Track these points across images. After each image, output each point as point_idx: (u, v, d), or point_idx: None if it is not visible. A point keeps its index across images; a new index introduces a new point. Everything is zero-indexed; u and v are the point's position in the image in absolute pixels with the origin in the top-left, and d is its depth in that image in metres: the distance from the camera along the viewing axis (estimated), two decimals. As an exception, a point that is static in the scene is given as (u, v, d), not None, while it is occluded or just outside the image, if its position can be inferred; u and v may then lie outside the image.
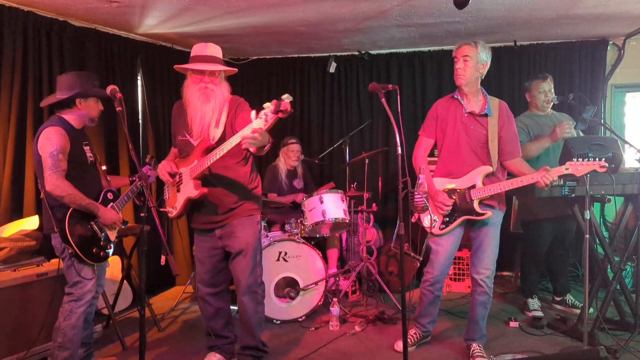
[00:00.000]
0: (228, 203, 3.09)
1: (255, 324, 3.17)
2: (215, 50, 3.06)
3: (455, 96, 3.42)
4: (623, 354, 3.42)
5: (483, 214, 3.28)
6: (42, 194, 3.06)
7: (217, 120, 3.02)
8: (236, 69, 3.17)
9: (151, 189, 4.94)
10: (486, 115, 3.34)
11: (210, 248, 3.18)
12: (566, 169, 3.16)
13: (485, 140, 3.33)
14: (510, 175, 3.43)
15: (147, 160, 3.65)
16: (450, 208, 3.35)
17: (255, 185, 3.24)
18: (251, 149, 2.75)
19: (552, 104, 4.33)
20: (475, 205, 3.29)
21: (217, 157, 2.85)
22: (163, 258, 2.40)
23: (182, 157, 3.16)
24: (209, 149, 2.96)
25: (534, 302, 4.34)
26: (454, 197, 3.36)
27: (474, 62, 3.29)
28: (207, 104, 2.98)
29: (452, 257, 3.52)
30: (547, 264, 4.60)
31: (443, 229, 3.39)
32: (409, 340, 3.49)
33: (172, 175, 3.08)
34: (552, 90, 4.32)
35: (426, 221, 3.41)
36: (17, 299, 3.24)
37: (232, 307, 3.48)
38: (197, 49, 3.05)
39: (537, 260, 4.43)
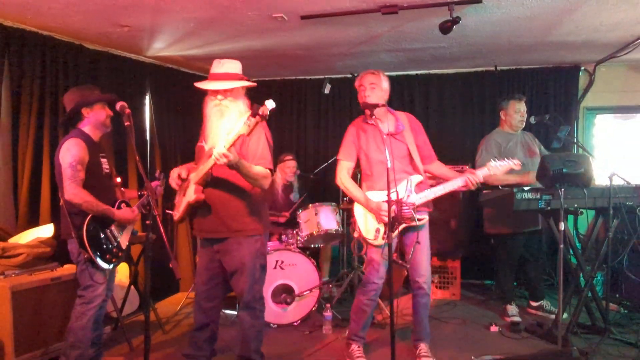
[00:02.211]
0: (227, 214, 2.96)
1: (251, 337, 3.08)
2: (230, 67, 2.98)
3: (370, 121, 3.40)
4: (594, 356, 3.47)
5: (421, 219, 3.31)
6: (61, 201, 3.10)
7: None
8: (254, 84, 3.06)
9: (157, 201, 4.98)
10: (402, 130, 3.44)
11: (209, 261, 3.09)
12: (488, 169, 3.30)
13: (408, 152, 3.43)
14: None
15: (156, 175, 3.63)
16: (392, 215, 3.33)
17: (260, 202, 3.09)
18: (219, 163, 2.65)
19: (524, 123, 4.40)
20: (413, 212, 3.30)
21: (212, 160, 2.71)
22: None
23: (197, 164, 3.09)
24: (208, 155, 2.87)
25: (512, 309, 4.38)
26: (393, 207, 3.35)
27: (379, 88, 3.40)
28: (220, 119, 2.93)
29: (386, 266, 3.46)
30: (524, 273, 4.65)
31: (385, 238, 3.36)
32: (357, 356, 3.48)
33: (182, 180, 3.01)
34: (526, 111, 4.41)
35: (370, 234, 3.38)
36: (33, 302, 3.27)
37: (231, 312, 3.42)
38: (213, 66, 2.99)
39: (510, 269, 4.47)
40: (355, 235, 3.49)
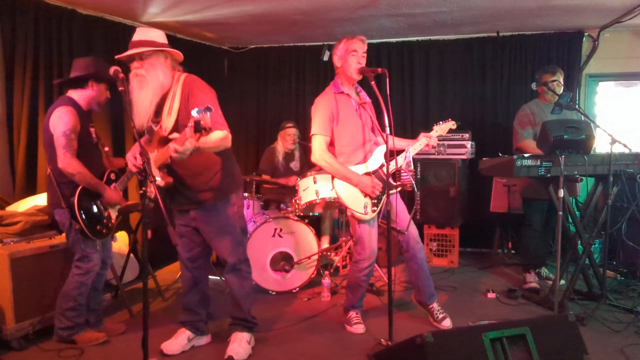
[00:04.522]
0: (197, 185, 2.92)
1: (242, 298, 3.11)
2: (141, 35, 2.78)
3: (346, 91, 3.35)
4: (590, 322, 3.49)
5: (398, 185, 3.32)
6: (48, 170, 3.07)
7: (170, 106, 2.80)
8: (174, 51, 2.84)
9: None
10: (367, 101, 3.43)
11: (184, 225, 3.09)
12: (436, 131, 3.52)
13: (373, 122, 3.42)
14: None
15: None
16: (381, 186, 3.33)
17: (226, 163, 3.00)
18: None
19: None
20: (390, 180, 3.28)
21: (172, 154, 2.52)
22: (149, 232, 2.38)
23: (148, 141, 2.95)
24: (163, 140, 2.77)
25: (531, 276, 4.35)
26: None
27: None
28: (139, 91, 2.74)
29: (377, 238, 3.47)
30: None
31: (375, 210, 3.35)
32: (358, 325, 3.48)
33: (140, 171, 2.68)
34: (561, 83, 4.25)
35: (360, 209, 3.30)
36: (32, 269, 3.26)
37: (214, 277, 3.40)
38: (134, 34, 2.80)
39: (533, 236, 4.36)
40: (349, 213, 3.38)
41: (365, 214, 3.32)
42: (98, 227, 3.11)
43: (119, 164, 3.53)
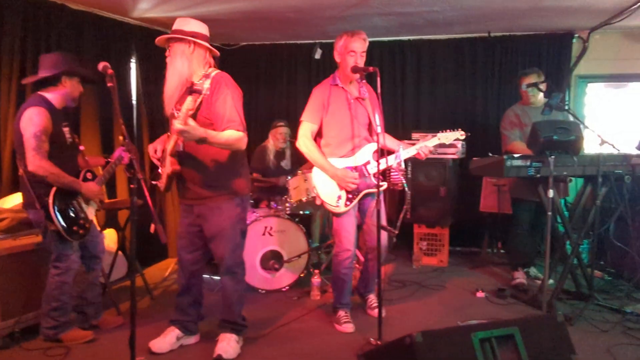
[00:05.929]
0: (205, 179, 2.92)
1: (234, 301, 3.09)
2: (178, 24, 2.90)
3: (340, 84, 3.40)
4: (578, 321, 3.50)
5: (381, 185, 3.26)
6: (20, 170, 3.03)
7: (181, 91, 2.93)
8: (200, 43, 2.89)
9: (143, 164, 4.91)
10: (365, 97, 3.44)
11: (189, 224, 3.06)
12: (438, 138, 3.45)
13: (369, 119, 3.43)
14: None
15: (120, 138, 3.53)
16: (358, 182, 3.34)
17: (237, 164, 3.02)
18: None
19: (540, 95, 4.26)
20: (373, 179, 3.32)
21: (174, 129, 2.66)
22: (152, 226, 2.37)
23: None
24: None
25: (518, 274, 4.38)
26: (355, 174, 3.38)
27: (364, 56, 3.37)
28: (168, 78, 2.93)
29: (356, 232, 3.47)
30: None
31: (348, 205, 3.36)
32: (347, 325, 3.45)
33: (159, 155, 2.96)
34: (539, 84, 4.20)
35: (333, 202, 3.35)
36: (18, 266, 3.22)
37: (205, 276, 3.42)
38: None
39: (521, 235, 4.37)
40: (318, 202, 3.46)
41: (337, 206, 3.35)
42: (74, 228, 3.05)
43: (95, 162, 3.49)
